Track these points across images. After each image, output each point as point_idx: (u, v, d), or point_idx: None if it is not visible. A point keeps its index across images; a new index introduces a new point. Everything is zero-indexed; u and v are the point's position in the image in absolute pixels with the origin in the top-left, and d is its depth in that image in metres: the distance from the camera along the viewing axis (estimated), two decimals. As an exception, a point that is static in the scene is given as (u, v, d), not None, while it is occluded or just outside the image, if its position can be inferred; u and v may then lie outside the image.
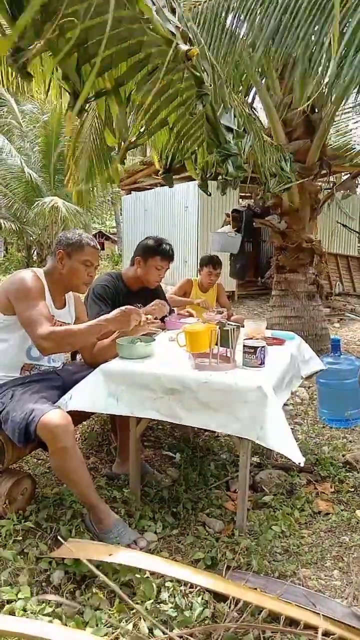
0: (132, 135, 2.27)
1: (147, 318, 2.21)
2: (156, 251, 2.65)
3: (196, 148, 2.59)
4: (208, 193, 2.79)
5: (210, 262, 4.00)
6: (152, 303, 2.44)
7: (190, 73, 1.77)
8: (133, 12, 1.48)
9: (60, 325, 2.17)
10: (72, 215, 12.26)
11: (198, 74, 1.76)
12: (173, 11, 1.69)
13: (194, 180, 2.93)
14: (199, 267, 4.17)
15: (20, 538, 1.81)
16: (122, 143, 2.27)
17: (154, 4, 1.52)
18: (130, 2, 1.41)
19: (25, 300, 1.96)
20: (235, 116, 2.43)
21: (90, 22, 1.53)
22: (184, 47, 1.53)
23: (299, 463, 1.65)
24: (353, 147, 5.61)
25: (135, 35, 1.71)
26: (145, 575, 1.57)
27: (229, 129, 2.18)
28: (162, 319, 2.71)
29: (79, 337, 2.00)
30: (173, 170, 2.75)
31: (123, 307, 2.02)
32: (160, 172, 2.83)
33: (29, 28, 1.47)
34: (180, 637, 1.34)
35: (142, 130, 2.27)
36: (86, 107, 1.87)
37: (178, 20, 1.66)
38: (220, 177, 2.46)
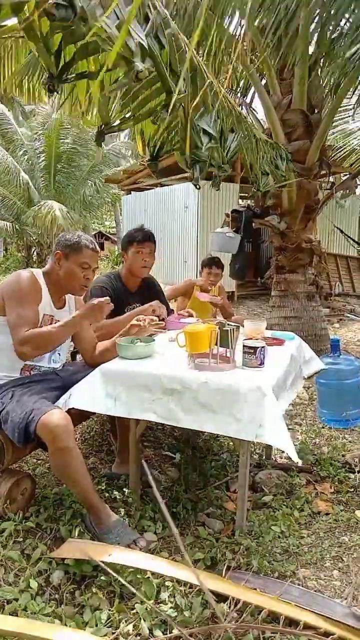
0: (116, 119, 2.25)
1: (151, 319, 2.22)
2: (131, 238, 2.66)
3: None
4: (197, 187, 2.78)
5: (211, 263, 4.00)
6: (147, 305, 2.44)
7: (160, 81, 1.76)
8: (85, 28, 1.45)
9: None
10: (70, 220, 12.24)
11: (166, 84, 1.74)
12: (147, 19, 1.67)
13: (194, 180, 2.92)
14: (200, 268, 4.17)
15: (21, 539, 1.81)
16: (103, 126, 2.24)
17: (118, 18, 1.50)
18: (83, 19, 1.39)
19: (14, 302, 1.97)
20: (219, 118, 2.42)
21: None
22: (139, 66, 1.51)
23: (297, 461, 1.66)
24: (353, 148, 5.62)
25: None
26: (146, 576, 1.57)
27: (206, 133, 2.18)
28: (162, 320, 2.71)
29: (55, 336, 1.99)
30: (159, 158, 2.74)
31: (93, 300, 2.02)
32: (146, 159, 2.83)
33: (4, 5, 1.43)
34: (180, 637, 1.35)
35: (127, 116, 2.25)
36: (59, 88, 1.84)
37: (150, 29, 1.64)
38: (213, 174, 2.46)
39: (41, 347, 1.99)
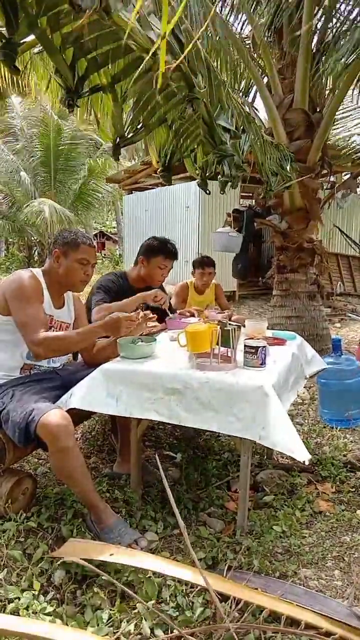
0: (129, 132, 2.28)
1: (145, 314, 2.21)
2: (159, 251, 2.66)
3: (195, 146, 2.59)
4: (207, 191, 2.80)
5: (200, 264, 3.93)
6: (153, 291, 2.45)
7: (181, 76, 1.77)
8: (105, 23, 1.47)
9: (60, 325, 2.17)
10: (61, 218, 12.16)
11: (188, 78, 1.75)
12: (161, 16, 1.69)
13: (195, 180, 2.93)
14: (192, 270, 4.11)
15: (23, 538, 1.81)
16: (118, 139, 2.26)
17: (137, 12, 1.51)
18: (107, 14, 1.41)
19: (21, 301, 1.97)
20: (233, 116, 2.43)
21: (84, 19, 1.52)
22: (165, 57, 1.52)
23: (303, 462, 1.65)
24: (354, 147, 5.61)
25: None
26: (148, 576, 1.57)
27: (226, 130, 2.18)
28: (163, 319, 2.71)
29: (72, 343, 2.03)
30: (172, 168, 2.76)
31: (114, 314, 2.02)
32: (159, 170, 2.83)
33: (22, 21, 1.47)
34: (181, 637, 1.34)
35: (139, 127, 2.27)
36: (77, 103, 1.87)
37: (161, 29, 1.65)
38: (219, 176, 2.46)
39: (56, 351, 2.02)
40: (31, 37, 1.69)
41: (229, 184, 2.47)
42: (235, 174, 2.40)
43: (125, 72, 1.98)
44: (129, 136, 2.26)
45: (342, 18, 4.16)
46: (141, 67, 1.91)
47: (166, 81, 1.80)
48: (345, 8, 4.05)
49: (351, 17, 3.86)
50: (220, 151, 2.13)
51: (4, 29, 1.46)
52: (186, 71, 1.72)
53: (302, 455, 1.65)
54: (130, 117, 2.27)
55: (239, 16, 4.98)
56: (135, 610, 1.48)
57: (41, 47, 1.80)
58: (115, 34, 1.65)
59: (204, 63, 2.03)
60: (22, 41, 1.57)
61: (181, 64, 1.62)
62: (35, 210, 11.78)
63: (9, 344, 2.04)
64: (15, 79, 3.91)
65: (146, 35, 1.53)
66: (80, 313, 2.33)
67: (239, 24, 5.03)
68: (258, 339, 2.10)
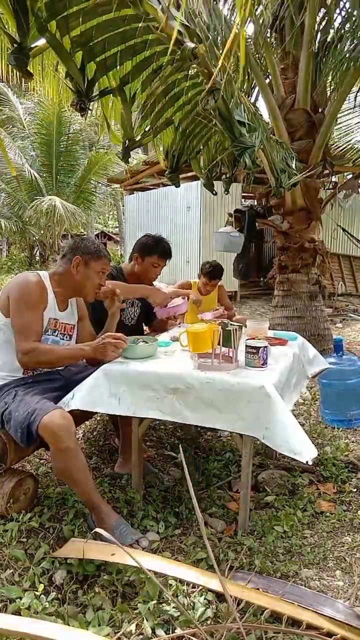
0: (138, 134, 2.29)
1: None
2: (154, 249, 2.66)
3: (201, 147, 2.59)
4: (214, 192, 2.81)
5: (208, 275, 3.81)
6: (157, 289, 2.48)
7: (197, 70, 1.78)
8: (137, 11, 1.48)
9: (64, 326, 2.17)
10: (70, 215, 12.31)
11: (207, 70, 1.76)
12: (178, 7, 1.70)
13: (197, 180, 2.94)
14: (199, 272, 4.08)
15: (24, 538, 1.82)
16: (127, 141, 2.28)
17: (159, 2, 1.52)
18: (134, 2, 1.42)
19: (21, 306, 1.97)
20: (245, 111, 2.43)
21: (94, 20, 1.53)
22: (190, 45, 1.53)
23: (306, 462, 1.65)
24: (356, 147, 5.61)
25: (140, 34, 1.71)
26: (149, 576, 1.57)
27: (242, 123, 2.18)
28: (150, 318, 2.74)
29: (59, 358, 2.05)
30: (179, 169, 2.76)
31: (104, 337, 2.01)
32: (166, 172, 2.84)
33: (32, 25, 1.48)
34: (182, 637, 1.35)
35: (147, 129, 2.29)
36: (89, 106, 1.89)
37: (184, 17, 1.66)
38: (224, 176, 2.47)
39: (42, 363, 2.05)
40: (42, 42, 1.70)
41: (251, 175, 2.47)
42: (255, 167, 2.39)
43: (133, 74, 1.99)
44: (137, 138, 2.28)
45: (344, 16, 4.15)
46: (149, 69, 1.92)
47: (186, 74, 1.80)
48: (348, 7, 4.04)
49: (353, 15, 3.85)
50: (241, 143, 2.12)
51: (15, 33, 1.46)
52: (206, 60, 1.72)
53: (307, 455, 1.65)
54: (138, 120, 2.28)
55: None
56: (137, 610, 1.48)
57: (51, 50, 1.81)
58: (125, 34, 1.66)
59: (217, 59, 2.04)
60: (32, 45, 1.59)
61: (200, 55, 1.63)
62: (45, 207, 11.87)
63: (12, 344, 2.03)
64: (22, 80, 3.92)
65: (171, 26, 1.52)
66: (84, 314, 2.33)
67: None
68: (259, 339, 2.10)
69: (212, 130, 2.50)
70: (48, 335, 2.10)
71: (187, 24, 1.61)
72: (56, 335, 2.14)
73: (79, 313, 2.30)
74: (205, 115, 2.16)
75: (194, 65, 1.76)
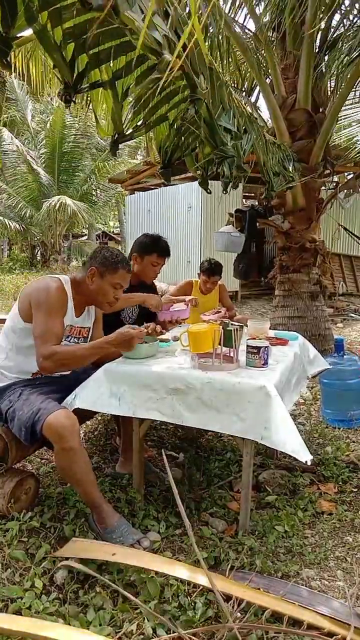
0: (129, 129, 2.27)
1: (153, 328, 2.31)
2: (153, 248, 2.67)
3: (197, 145, 2.59)
4: (208, 191, 2.79)
5: (207, 272, 3.83)
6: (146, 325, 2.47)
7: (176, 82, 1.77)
8: (116, 22, 1.47)
9: (79, 330, 2.16)
10: (79, 210, 12.43)
11: (190, 78, 1.75)
12: (166, 15, 1.68)
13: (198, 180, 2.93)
14: (198, 271, 4.07)
15: (25, 538, 1.82)
16: (116, 135, 2.26)
17: (142, 11, 1.51)
18: (115, 13, 1.40)
19: (43, 311, 1.94)
20: (235, 117, 2.42)
21: (89, 14, 1.52)
22: (168, 57, 1.51)
23: (305, 462, 1.65)
24: (357, 146, 5.60)
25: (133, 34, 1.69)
26: (150, 575, 1.57)
27: (228, 131, 2.18)
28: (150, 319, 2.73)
29: (80, 359, 2.00)
30: (172, 165, 2.75)
31: (124, 329, 1.97)
32: (158, 168, 2.83)
33: (20, 15, 1.46)
34: (181, 638, 1.35)
35: (139, 124, 2.27)
36: (75, 99, 1.86)
37: (170, 26, 1.65)
38: (221, 176, 2.46)
39: (66, 364, 2.00)
40: (28, 32, 1.66)
41: (230, 184, 2.47)
42: (236, 175, 2.39)
43: (126, 70, 1.97)
44: (127, 133, 2.25)
45: (345, 14, 4.15)
46: (144, 65, 1.91)
47: (169, 80, 1.79)
48: (349, 6, 4.04)
49: (353, 14, 3.85)
50: (221, 152, 2.12)
51: None
52: (188, 72, 1.71)
53: (304, 456, 1.65)
54: (130, 114, 2.26)
55: (242, 14, 4.99)
56: (138, 610, 1.48)
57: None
58: (119, 31, 1.64)
59: (205, 64, 2.03)
60: (17, 36, 1.55)
61: (183, 64, 1.62)
62: (57, 204, 12.05)
63: (29, 349, 2.01)
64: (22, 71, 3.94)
65: (152, 36, 1.52)
66: (99, 317, 2.31)
67: (243, 21, 5.04)
68: (260, 339, 2.10)
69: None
70: (62, 341, 2.08)
71: (168, 33, 1.58)
72: (70, 340, 2.13)
73: (96, 314, 2.29)
74: (197, 119, 2.15)
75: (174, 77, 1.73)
